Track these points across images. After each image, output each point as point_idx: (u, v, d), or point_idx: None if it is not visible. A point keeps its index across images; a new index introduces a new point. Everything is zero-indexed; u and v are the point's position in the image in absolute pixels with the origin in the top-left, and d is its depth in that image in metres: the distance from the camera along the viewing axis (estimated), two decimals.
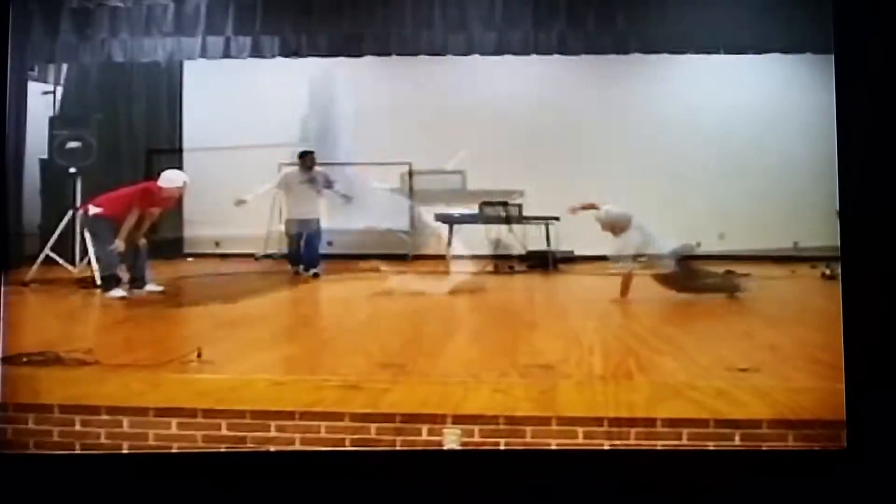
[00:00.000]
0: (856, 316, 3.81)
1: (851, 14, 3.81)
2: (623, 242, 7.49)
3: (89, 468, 4.36)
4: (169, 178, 8.53)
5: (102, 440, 4.53)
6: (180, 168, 12.42)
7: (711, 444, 4.31)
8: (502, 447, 4.40)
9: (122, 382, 4.61)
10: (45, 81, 12.63)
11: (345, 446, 4.44)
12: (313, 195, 10.81)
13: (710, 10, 9.46)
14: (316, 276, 10.65)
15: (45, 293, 8.66)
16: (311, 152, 10.91)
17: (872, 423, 3.83)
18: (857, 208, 3.73)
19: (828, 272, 8.56)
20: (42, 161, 11.71)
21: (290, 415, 4.48)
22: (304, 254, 10.79)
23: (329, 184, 10.84)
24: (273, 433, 4.46)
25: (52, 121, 10.67)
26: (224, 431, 4.48)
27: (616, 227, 7.61)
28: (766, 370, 4.72)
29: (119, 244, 8.14)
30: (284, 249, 10.87)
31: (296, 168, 10.81)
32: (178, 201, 9.12)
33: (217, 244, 13.77)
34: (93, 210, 8.38)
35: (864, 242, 3.73)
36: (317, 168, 10.86)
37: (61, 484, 4.20)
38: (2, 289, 4.12)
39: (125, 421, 4.53)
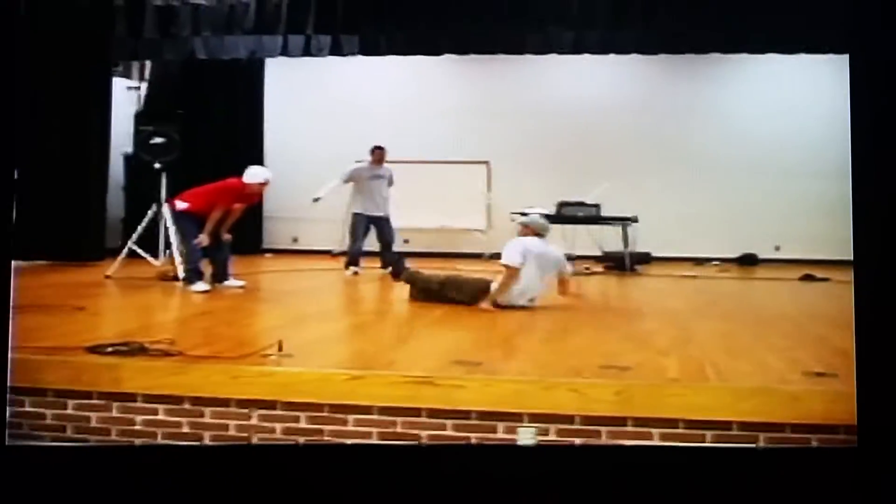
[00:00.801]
0: (869, 318, 3.70)
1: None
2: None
3: (169, 458, 4.44)
4: (253, 175, 8.64)
5: (185, 430, 4.64)
6: (261, 161, 12.65)
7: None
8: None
9: (204, 374, 4.69)
10: (129, 78, 12.93)
11: (420, 441, 4.49)
12: (382, 191, 10.73)
13: (795, 8, 9.26)
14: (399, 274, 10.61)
15: (128, 286, 8.87)
16: (381, 147, 10.82)
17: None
18: (871, 209, 3.64)
19: None
20: (126, 156, 12.02)
21: (367, 409, 4.54)
22: (380, 253, 10.76)
23: (391, 183, 10.80)
24: (351, 427, 4.52)
25: (136, 116, 10.94)
26: (303, 424, 4.55)
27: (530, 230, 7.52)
28: (841, 375, 4.65)
29: (203, 238, 8.28)
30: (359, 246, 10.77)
31: (365, 163, 10.76)
32: (260, 197, 9.24)
33: (295, 240, 13.97)
34: (179, 205, 8.51)
35: (878, 243, 3.64)
36: (385, 164, 10.82)
37: (143, 473, 4.28)
38: (11, 283, 4.15)
39: (207, 411, 4.63)
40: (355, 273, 10.47)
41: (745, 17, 9.55)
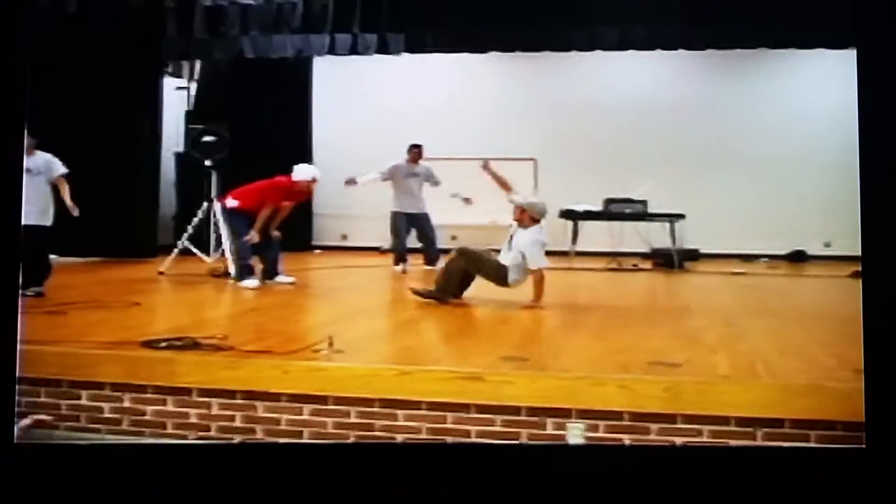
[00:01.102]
0: (878, 314, 3.64)
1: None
2: (532, 237, 7.27)
3: (174, 456, 4.47)
4: (301, 172, 8.72)
5: (237, 423, 4.71)
6: (310, 159, 12.74)
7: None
8: (626, 443, 4.42)
9: (256, 368, 4.76)
10: (179, 77, 13.10)
11: (469, 437, 4.52)
12: (419, 189, 10.78)
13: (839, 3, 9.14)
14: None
15: (181, 282, 9.00)
16: (419, 146, 10.86)
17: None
18: (881, 205, 3.57)
19: None
20: (177, 154, 12.17)
21: (416, 404, 4.58)
22: (424, 250, 10.81)
23: (430, 181, 10.82)
24: (401, 422, 4.56)
25: (187, 115, 11.09)
26: (353, 419, 4.60)
27: (527, 216, 7.41)
28: None
29: (254, 235, 8.36)
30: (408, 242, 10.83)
31: (403, 161, 10.80)
32: (310, 195, 9.31)
33: (344, 237, 14.05)
34: (230, 203, 8.61)
35: (888, 239, 3.58)
36: (422, 162, 10.86)
37: (199, 467, 4.31)
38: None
39: (259, 406, 4.71)
40: (404, 271, 10.51)
41: (791, 13, 9.43)
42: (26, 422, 4.10)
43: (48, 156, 7.46)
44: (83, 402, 4.90)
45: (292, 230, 9.75)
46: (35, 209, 7.02)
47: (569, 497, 4.03)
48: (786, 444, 4.30)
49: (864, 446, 3.87)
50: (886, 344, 3.60)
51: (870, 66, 3.56)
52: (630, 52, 11.16)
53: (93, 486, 4.03)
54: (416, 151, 10.85)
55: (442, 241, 10.98)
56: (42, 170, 7.36)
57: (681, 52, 11.47)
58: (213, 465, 4.20)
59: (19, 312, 3.99)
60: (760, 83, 13.61)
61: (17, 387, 4.06)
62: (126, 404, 4.87)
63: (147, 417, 4.84)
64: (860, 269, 3.97)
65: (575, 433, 4.45)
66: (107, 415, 4.88)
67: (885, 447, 3.87)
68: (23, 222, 4.07)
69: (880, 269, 3.60)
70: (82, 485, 4.03)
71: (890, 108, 3.51)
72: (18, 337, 3.98)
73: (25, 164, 4.56)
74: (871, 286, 3.63)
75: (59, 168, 7.49)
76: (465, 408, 4.54)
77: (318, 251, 13.53)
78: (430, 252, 10.73)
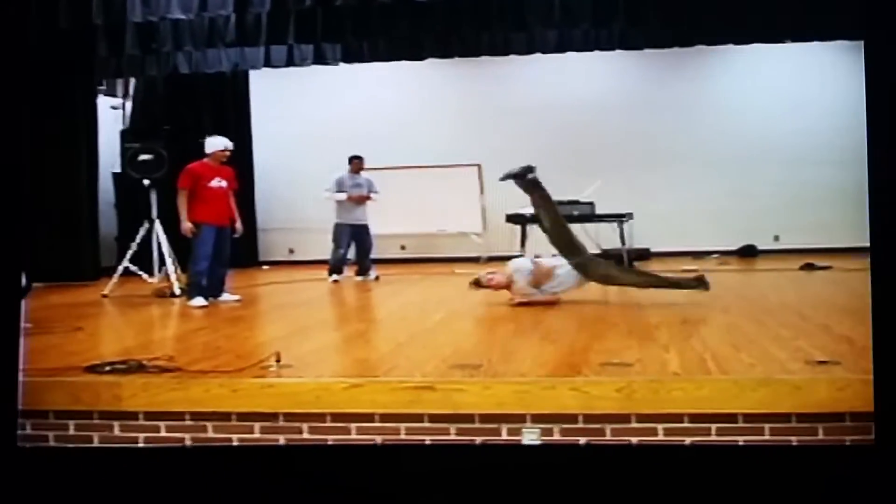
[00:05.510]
0: (887, 307, 3.65)
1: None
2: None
3: (178, 459, 4.42)
4: (213, 143, 8.64)
5: (188, 445, 4.62)
6: (251, 173, 12.63)
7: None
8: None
9: (204, 388, 4.67)
10: (113, 95, 12.91)
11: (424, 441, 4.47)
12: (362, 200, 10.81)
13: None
14: (377, 278, 10.71)
15: (126, 304, 8.86)
16: (360, 157, 10.92)
17: None
18: (889, 197, 3.58)
19: None
20: (115, 175, 11.98)
21: (369, 416, 4.52)
22: (358, 261, 10.87)
23: (372, 191, 10.87)
24: (354, 435, 4.51)
25: (122, 134, 10.89)
26: (305, 435, 4.54)
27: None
28: (845, 363, 4.64)
29: (185, 226, 8.34)
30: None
31: (345, 173, 10.83)
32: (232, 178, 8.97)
33: (291, 251, 13.94)
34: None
35: (894, 229, 3.58)
36: (363, 173, 10.89)
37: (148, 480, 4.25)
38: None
39: (209, 426, 4.62)
40: (336, 281, 10.58)
41: (732, 8, 9.51)
42: None
43: None
44: (28, 431, 4.76)
45: (238, 247, 9.64)
46: None
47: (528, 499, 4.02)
48: (741, 440, 4.31)
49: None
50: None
51: (879, 61, 3.55)
52: (571, 53, 11.18)
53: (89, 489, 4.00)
54: (356, 162, 10.87)
55: (389, 252, 10.97)
56: None
57: (625, 52, 11.54)
58: (228, 468, 4.22)
59: None
60: (704, 80, 13.77)
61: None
62: (71, 432, 4.75)
63: (94, 444, 4.73)
64: (810, 262, 3.98)
65: (530, 438, 4.43)
66: (52, 444, 4.76)
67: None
68: None
69: (889, 262, 3.58)
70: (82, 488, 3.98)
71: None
72: None
73: None
74: (879, 279, 3.60)
75: None
76: (418, 418, 4.49)
77: (265, 267, 13.42)
78: (364, 262, 10.87)
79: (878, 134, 3.57)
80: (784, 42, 11.12)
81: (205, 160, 8.58)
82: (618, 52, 11.32)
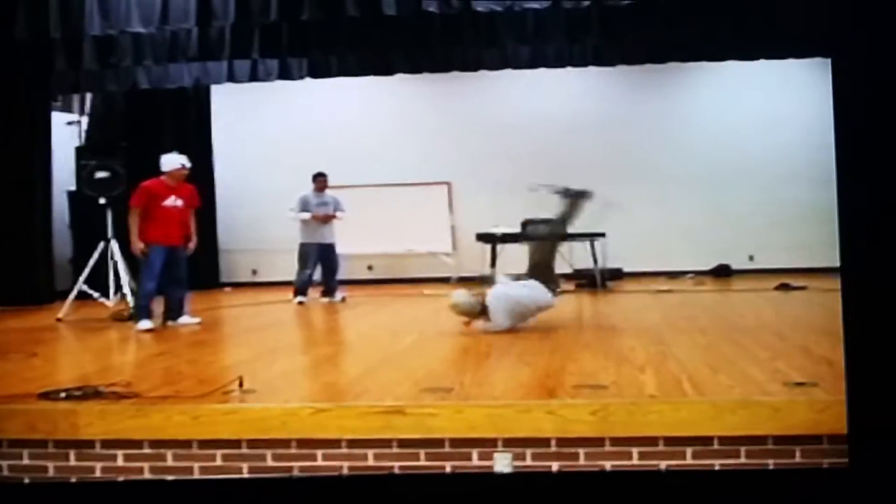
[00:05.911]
0: (857, 326, 3.60)
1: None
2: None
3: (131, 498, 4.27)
4: (170, 161, 8.45)
5: (146, 476, 4.44)
6: (213, 192, 12.41)
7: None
8: (555, 470, 4.29)
9: (164, 415, 4.50)
10: (69, 111, 12.66)
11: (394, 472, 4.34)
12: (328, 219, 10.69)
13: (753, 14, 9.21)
14: (343, 300, 10.56)
15: (82, 328, 8.65)
16: (324, 175, 10.77)
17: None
18: (856, 213, 3.55)
19: None
20: (70, 193, 11.69)
21: (336, 443, 4.38)
22: (325, 281, 10.72)
23: (338, 209, 10.73)
24: (320, 461, 4.36)
25: (78, 151, 10.62)
26: (270, 462, 4.39)
27: None
28: (823, 384, 4.57)
29: (135, 245, 8.17)
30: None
31: (310, 192, 10.69)
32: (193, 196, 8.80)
33: (254, 272, 13.70)
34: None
35: (864, 249, 3.55)
36: (328, 191, 10.76)
37: None
38: None
39: (169, 454, 4.44)
40: (301, 303, 10.42)
41: (705, 25, 9.44)
42: None
43: None
44: None
45: (198, 267, 9.44)
46: None
47: None
48: (717, 464, 4.23)
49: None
50: (866, 354, 3.52)
51: (845, 76, 3.51)
52: (544, 69, 11.11)
53: None
54: (321, 180, 10.72)
55: (356, 272, 10.79)
56: None
57: (598, 68, 11.49)
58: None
59: None
60: (677, 98, 13.76)
61: None
62: (25, 461, 4.56)
63: (49, 474, 4.53)
64: (785, 282, 3.93)
65: (502, 463, 4.31)
66: (6, 473, 4.56)
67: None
68: None
69: (858, 279, 3.53)
70: None
71: (866, 118, 3.46)
72: None
73: None
74: (849, 296, 3.54)
75: None
76: (387, 443, 4.36)
77: (228, 288, 13.17)
78: (331, 283, 10.70)
79: (845, 152, 3.53)
80: (758, 59, 11.12)
81: (161, 178, 8.38)
82: (591, 68, 11.27)
